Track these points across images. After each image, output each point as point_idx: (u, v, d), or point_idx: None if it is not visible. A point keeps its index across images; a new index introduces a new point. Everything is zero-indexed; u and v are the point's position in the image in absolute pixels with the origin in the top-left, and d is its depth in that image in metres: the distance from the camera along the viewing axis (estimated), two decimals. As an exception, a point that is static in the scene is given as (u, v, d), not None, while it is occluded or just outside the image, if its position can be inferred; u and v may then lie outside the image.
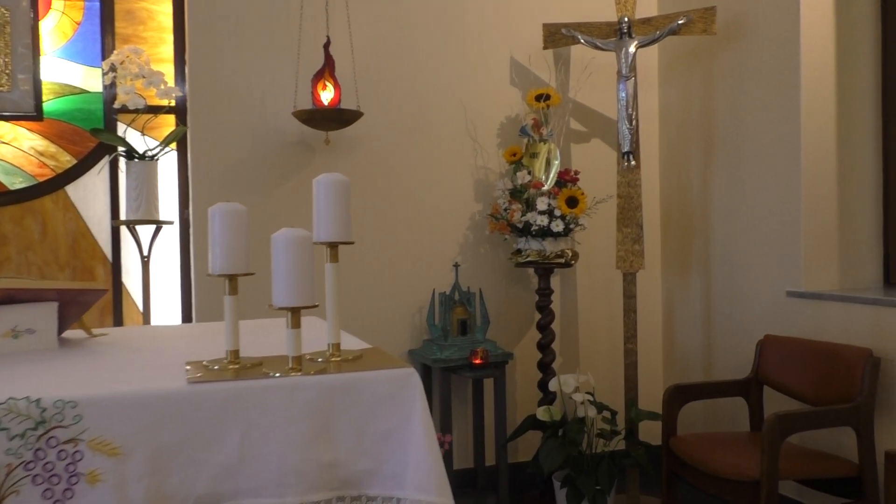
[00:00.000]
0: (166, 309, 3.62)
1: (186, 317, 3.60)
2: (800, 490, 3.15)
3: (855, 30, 3.16)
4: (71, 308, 1.93)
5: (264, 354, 1.64)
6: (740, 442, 2.99)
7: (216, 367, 1.51)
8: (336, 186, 1.58)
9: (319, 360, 1.59)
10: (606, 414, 3.43)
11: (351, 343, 1.82)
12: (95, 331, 2.08)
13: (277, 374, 1.44)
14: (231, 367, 1.52)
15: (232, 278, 1.53)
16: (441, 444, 3.34)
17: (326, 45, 3.35)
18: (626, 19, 3.50)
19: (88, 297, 1.92)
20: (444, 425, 3.42)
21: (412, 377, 1.49)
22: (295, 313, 1.45)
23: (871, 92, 3.19)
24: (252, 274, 1.57)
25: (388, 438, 1.47)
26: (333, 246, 1.61)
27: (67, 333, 2.07)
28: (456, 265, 3.60)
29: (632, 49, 3.49)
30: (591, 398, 3.38)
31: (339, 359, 1.59)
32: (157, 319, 3.54)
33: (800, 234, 3.15)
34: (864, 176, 3.20)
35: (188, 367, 1.51)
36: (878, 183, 3.20)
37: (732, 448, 2.89)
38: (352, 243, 1.61)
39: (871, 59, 3.18)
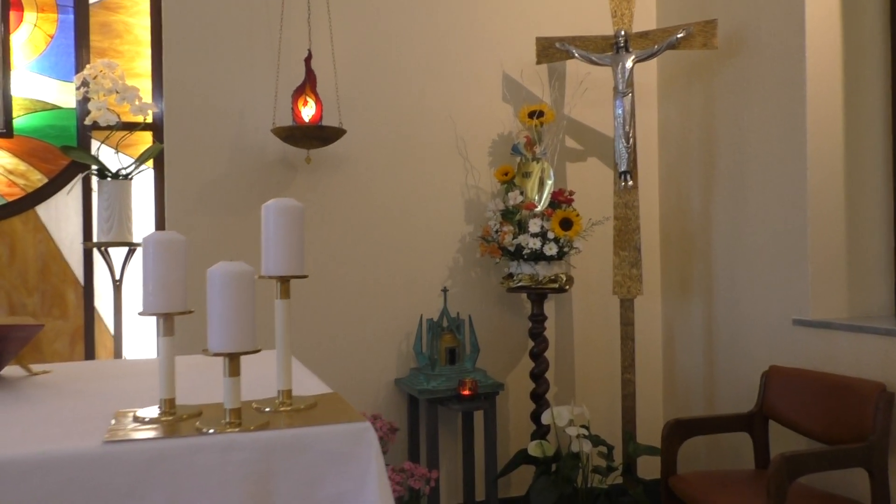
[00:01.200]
0: (140, 336, 3.45)
1: (161, 343, 3.42)
2: (809, 533, 2.95)
3: (864, 44, 2.99)
4: (6, 344, 1.76)
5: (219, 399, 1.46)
6: (744, 482, 2.79)
7: (147, 419, 1.34)
8: (287, 213, 1.40)
9: (267, 409, 1.41)
10: (602, 448, 3.24)
11: (309, 385, 1.64)
12: (36, 367, 1.91)
13: (211, 431, 1.26)
14: (164, 419, 1.34)
15: (167, 317, 1.36)
16: (427, 481, 3.15)
17: (308, 60, 3.20)
18: (622, 33, 3.34)
19: (24, 332, 1.75)
20: (430, 460, 3.23)
21: (367, 433, 1.31)
22: (233, 360, 1.28)
23: (881, 109, 3.01)
24: (191, 312, 1.40)
25: (339, 504, 1.28)
26: (284, 280, 1.43)
27: (7, 370, 1.89)
28: (444, 290, 3.43)
29: (629, 64, 3.32)
30: (586, 432, 3.19)
31: (289, 408, 1.41)
32: (129, 347, 3.37)
33: (807, 258, 2.97)
34: (873, 197, 3.02)
35: (113, 421, 1.33)
36: (888, 205, 3.02)
37: (736, 490, 2.70)
38: (304, 277, 1.44)
39: (881, 75, 3.00)
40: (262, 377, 1.65)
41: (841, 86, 2.98)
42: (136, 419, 1.34)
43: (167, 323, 1.36)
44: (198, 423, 1.30)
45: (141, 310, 1.37)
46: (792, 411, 2.89)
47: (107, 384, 1.77)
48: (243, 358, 1.32)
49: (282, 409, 1.41)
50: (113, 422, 1.33)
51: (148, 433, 1.26)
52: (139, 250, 3.30)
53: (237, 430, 1.27)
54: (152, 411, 1.38)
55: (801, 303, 3.00)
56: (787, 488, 2.40)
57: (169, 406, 1.37)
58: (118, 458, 1.18)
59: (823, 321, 2.93)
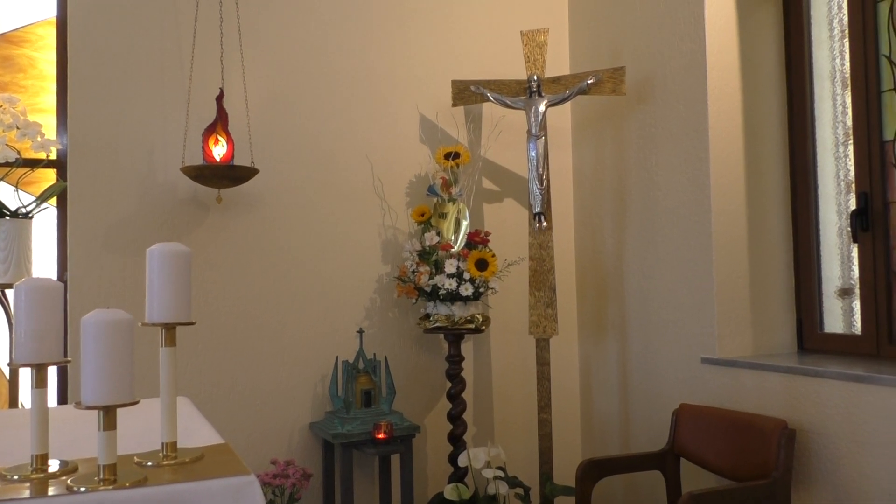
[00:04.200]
0: (38, 381, 3.27)
1: (62, 392, 3.26)
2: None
3: (762, 92, 3.14)
4: None
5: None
6: (656, 521, 2.81)
7: (14, 477, 1.25)
8: (173, 258, 1.36)
9: (149, 464, 1.34)
10: (519, 490, 3.23)
11: (202, 436, 1.57)
12: None
13: (83, 489, 1.19)
14: (34, 476, 1.26)
15: (40, 368, 1.29)
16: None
17: (219, 98, 3.15)
18: (535, 78, 3.42)
19: None
20: (345, 507, 3.15)
21: (250, 487, 1.26)
22: (108, 412, 1.21)
23: (779, 154, 3.15)
24: (68, 361, 1.33)
25: (219, 564, 1.22)
26: (170, 328, 1.38)
27: None
28: (360, 331, 3.38)
29: (542, 108, 3.39)
30: (502, 473, 3.17)
31: (172, 462, 1.35)
32: (27, 395, 3.20)
33: (713, 298, 3.05)
34: (774, 239, 3.14)
35: (-25, 480, 1.25)
36: (788, 246, 3.15)
37: (647, 529, 2.71)
38: (192, 324, 1.39)
39: (778, 121, 3.15)
40: (154, 428, 1.57)
41: (741, 131, 3.10)
42: (1, 477, 1.26)
43: (39, 374, 1.29)
44: (70, 481, 1.23)
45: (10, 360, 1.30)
46: (701, 449, 2.93)
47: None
48: (134, 408, 1.26)
49: (165, 462, 1.35)
50: (-25, 481, 1.25)
51: (13, 493, 1.18)
52: (38, 292, 3.17)
53: (111, 487, 1.20)
54: (22, 468, 1.30)
55: (709, 342, 3.08)
56: (695, 527, 2.42)
57: (40, 462, 1.29)
58: (-27, 522, 1.10)
59: (729, 359, 3.01)
